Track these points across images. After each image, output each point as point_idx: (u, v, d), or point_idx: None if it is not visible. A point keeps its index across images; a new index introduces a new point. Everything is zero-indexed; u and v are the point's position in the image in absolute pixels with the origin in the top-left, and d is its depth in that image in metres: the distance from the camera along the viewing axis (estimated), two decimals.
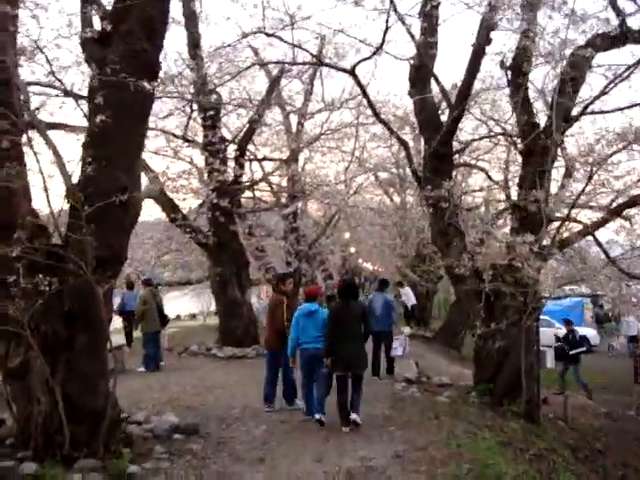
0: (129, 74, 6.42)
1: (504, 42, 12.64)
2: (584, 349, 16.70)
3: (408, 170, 29.54)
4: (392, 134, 12.88)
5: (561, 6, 11.18)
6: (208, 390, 12.33)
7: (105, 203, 6.25)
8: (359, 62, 11.32)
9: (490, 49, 11.99)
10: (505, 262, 11.05)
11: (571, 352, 16.43)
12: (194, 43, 16.38)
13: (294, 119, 23.54)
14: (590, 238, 12.52)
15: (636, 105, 12.30)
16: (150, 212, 18.86)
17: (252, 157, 22.33)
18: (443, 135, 12.17)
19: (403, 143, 13.03)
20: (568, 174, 12.96)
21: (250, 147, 22.07)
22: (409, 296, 27.19)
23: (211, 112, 16.13)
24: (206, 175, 17.34)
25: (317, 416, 9.35)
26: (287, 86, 21.78)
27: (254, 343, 17.79)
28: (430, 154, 12.22)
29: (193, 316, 34.96)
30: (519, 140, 16.20)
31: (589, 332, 29.32)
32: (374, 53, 11.13)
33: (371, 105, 12.14)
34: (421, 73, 12.39)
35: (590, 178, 11.70)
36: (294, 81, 21.67)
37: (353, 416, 9.12)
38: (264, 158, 22.29)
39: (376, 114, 12.23)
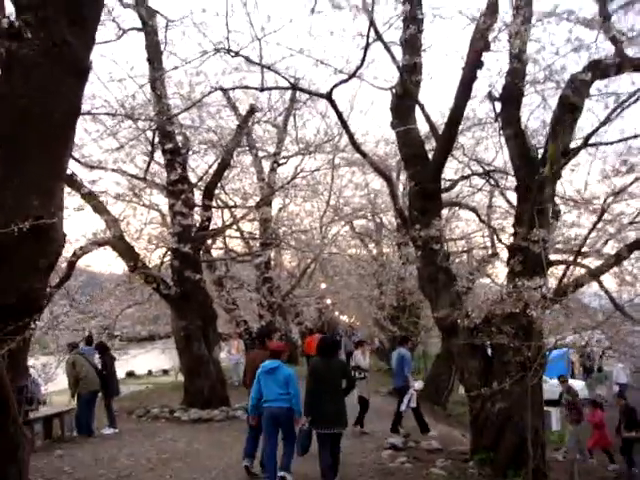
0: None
1: (491, 73, 11.60)
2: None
3: (385, 218, 29.31)
4: (373, 167, 11.56)
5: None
6: (166, 463, 10.69)
7: (7, 236, 4.77)
8: (336, 85, 10.02)
9: (476, 84, 10.93)
10: (505, 311, 9.65)
11: None
12: (156, 77, 15.07)
13: (266, 165, 22.56)
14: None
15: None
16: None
17: (222, 204, 21.06)
18: (431, 170, 10.91)
19: (386, 178, 11.70)
20: (555, 216, 11.73)
21: (220, 195, 20.88)
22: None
23: (170, 145, 14.77)
24: (169, 219, 15.94)
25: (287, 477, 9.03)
26: (259, 131, 20.85)
27: (222, 404, 16.14)
28: (417, 191, 10.92)
29: (165, 372, 33.10)
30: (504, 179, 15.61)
31: (577, 384, 27.78)
32: (352, 75, 9.86)
33: (349, 133, 10.83)
34: (404, 101, 11.17)
35: (600, 217, 10.43)
36: (266, 126, 20.78)
37: None
38: (234, 205, 20.93)
39: (354, 144, 10.90)
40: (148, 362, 31.64)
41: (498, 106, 11.53)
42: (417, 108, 11.21)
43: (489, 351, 10.84)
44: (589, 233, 10.57)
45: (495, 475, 9.82)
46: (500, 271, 20.52)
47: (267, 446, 9.23)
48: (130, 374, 31.08)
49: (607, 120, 10.71)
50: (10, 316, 5.14)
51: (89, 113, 13.00)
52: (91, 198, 14.39)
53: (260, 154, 22.25)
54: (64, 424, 13.10)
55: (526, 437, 9.51)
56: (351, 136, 10.83)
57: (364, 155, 11.14)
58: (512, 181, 14.66)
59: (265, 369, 9.31)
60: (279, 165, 22.05)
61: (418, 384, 14.71)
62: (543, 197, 10.74)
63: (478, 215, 13.99)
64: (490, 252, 20.15)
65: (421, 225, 10.54)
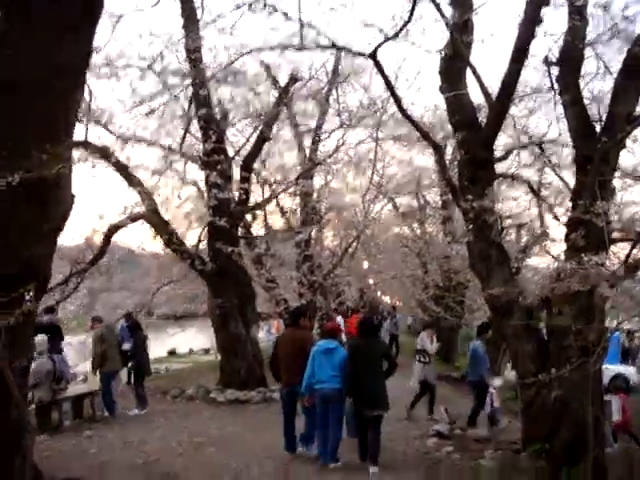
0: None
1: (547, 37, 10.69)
2: None
3: (429, 196, 28.44)
4: (420, 133, 10.71)
5: None
6: (197, 448, 10.15)
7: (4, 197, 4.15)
8: (380, 44, 9.20)
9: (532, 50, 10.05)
10: (569, 289, 8.78)
11: None
12: (194, 46, 14.38)
13: (308, 140, 21.80)
14: None
15: None
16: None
17: (261, 181, 20.40)
18: (483, 137, 10.09)
19: (434, 145, 10.87)
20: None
21: (260, 171, 20.25)
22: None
23: (204, 111, 14.13)
24: (205, 195, 15.36)
25: (331, 465, 9.06)
26: (300, 105, 20.08)
27: (260, 385, 15.57)
28: (467, 159, 10.10)
29: (206, 351, 32.76)
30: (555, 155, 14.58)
31: (627, 370, 26.34)
32: (398, 32, 9.02)
33: (395, 96, 10.00)
34: (455, 63, 10.32)
35: None
36: (307, 99, 19.99)
37: (372, 469, 8.86)
38: (275, 181, 20.21)
39: (401, 107, 10.07)
40: (189, 341, 31.34)
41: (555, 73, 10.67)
42: (468, 72, 10.38)
43: (544, 334, 10.06)
44: None
45: (550, 468, 9.01)
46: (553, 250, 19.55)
47: (319, 428, 9.28)
48: (172, 352, 30.78)
49: None
50: (11, 287, 4.54)
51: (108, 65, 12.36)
52: (123, 169, 13.86)
53: (302, 129, 21.51)
54: (94, 404, 12.67)
55: (586, 427, 8.73)
56: (397, 99, 10.01)
57: (411, 120, 10.32)
58: (564, 157, 13.82)
59: (321, 349, 9.28)
60: (320, 140, 21.28)
61: (497, 381, 13.55)
62: (606, 169, 9.90)
63: (532, 188, 13.02)
64: (540, 231, 19.26)
65: (473, 195, 9.74)
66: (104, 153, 13.21)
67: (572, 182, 11.28)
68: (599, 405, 9.34)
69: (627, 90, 9.92)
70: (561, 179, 14.13)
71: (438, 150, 10.84)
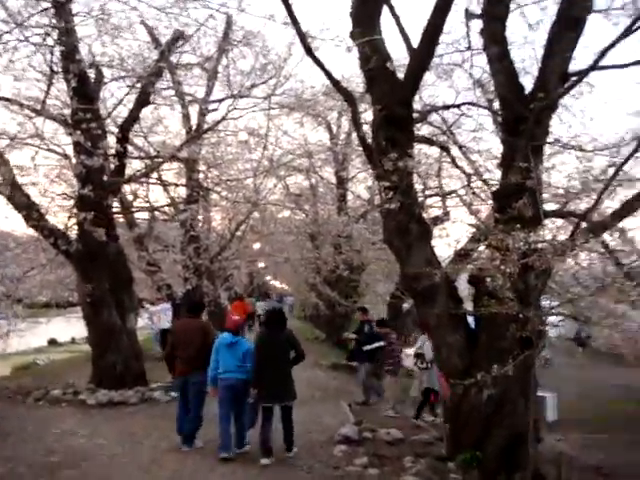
0: None
1: None
2: (381, 344, 13.65)
3: (323, 174, 27.01)
4: (332, 82, 9.01)
5: None
6: (53, 472, 8.07)
7: None
8: None
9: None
10: (503, 270, 7.36)
11: (365, 348, 13.98)
12: None
13: (194, 111, 19.85)
14: None
15: None
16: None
17: (143, 155, 18.22)
18: (401, 91, 8.59)
19: (348, 97, 9.22)
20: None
21: (138, 141, 18.16)
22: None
23: (73, 66, 11.96)
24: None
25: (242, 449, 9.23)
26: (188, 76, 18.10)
27: (138, 383, 13.58)
28: (383, 117, 8.55)
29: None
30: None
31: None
32: None
33: (300, 33, 8.30)
34: (369, 5, 8.77)
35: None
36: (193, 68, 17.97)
37: (290, 453, 9.04)
38: (157, 155, 18.03)
39: (307, 46, 8.38)
40: (70, 329, 29.05)
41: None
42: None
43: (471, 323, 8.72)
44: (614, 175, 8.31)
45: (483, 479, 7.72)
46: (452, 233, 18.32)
47: (223, 417, 9.11)
48: (52, 342, 29.52)
49: (622, 37, 8.49)
50: None
51: None
52: None
53: (188, 98, 19.50)
54: None
55: (525, 430, 7.46)
56: (302, 36, 8.31)
57: (321, 65, 8.63)
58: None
59: (225, 341, 9.26)
60: (208, 110, 19.34)
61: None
62: (538, 132, 8.64)
63: (449, 153, 11.56)
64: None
65: (389, 159, 8.18)
66: None
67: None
68: (535, 405, 8.09)
69: (562, 43, 8.73)
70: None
71: (351, 102, 9.19)
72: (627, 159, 7.79)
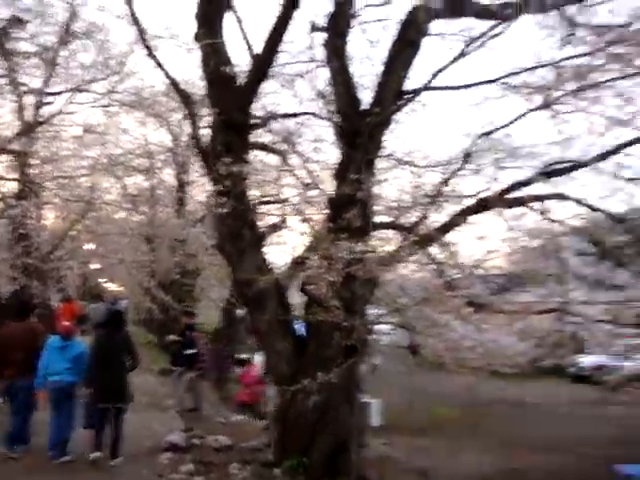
0: None
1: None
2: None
3: (163, 177, 26.45)
4: (170, 81, 8.86)
5: None
6: None
7: None
8: None
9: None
10: (329, 279, 7.50)
11: (186, 352, 13.57)
12: None
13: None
14: None
15: (486, 82, 9.39)
16: None
17: None
18: (240, 97, 8.59)
19: (185, 98, 9.06)
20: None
21: None
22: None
23: None
24: None
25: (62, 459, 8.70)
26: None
27: None
28: (221, 121, 8.51)
29: None
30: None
31: None
32: None
33: (141, 33, 8.11)
34: (214, 8, 8.71)
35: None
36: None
37: (114, 462, 8.63)
38: None
39: (147, 47, 8.20)
40: None
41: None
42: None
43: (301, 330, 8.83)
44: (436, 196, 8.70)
45: None
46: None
47: (52, 422, 8.92)
48: None
49: (456, 60, 8.95)
50: None
51: None
52: None
53: (22, 89, 18.48)
54: None
55: (349, 436, 7.63)
56: (142, 34, 8.11)
57: (160, 65, 8.46)
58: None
59: (56, 344, 9.10)
60: (45, 103, 18.43)
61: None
62: (372, 146, 8.93)
63: (286, 161, 11.62)
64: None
65: (224, 164, 8.14)
66: None
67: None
68: (360, 411, 8.30)
69: (398, 62, 9.11)
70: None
71: (188, 103, 9.06)
72: (449, 177, 8.22)
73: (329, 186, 10.72)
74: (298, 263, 10.91)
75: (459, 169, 8.27)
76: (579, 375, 24.53)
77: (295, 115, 11.39)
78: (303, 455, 8.04)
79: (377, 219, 9.56)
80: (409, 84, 9.43)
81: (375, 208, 9.51)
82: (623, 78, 7.69)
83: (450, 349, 9.57)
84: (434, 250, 8.84)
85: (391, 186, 11.56)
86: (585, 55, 7.87)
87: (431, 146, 12.04)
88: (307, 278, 8.22)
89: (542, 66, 8.15)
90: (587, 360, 22.45)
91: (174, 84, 8.99)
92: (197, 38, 8.70)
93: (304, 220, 9.66)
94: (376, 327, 11.96)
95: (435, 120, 13.86)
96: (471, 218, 8.93)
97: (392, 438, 13.58)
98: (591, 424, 17.29)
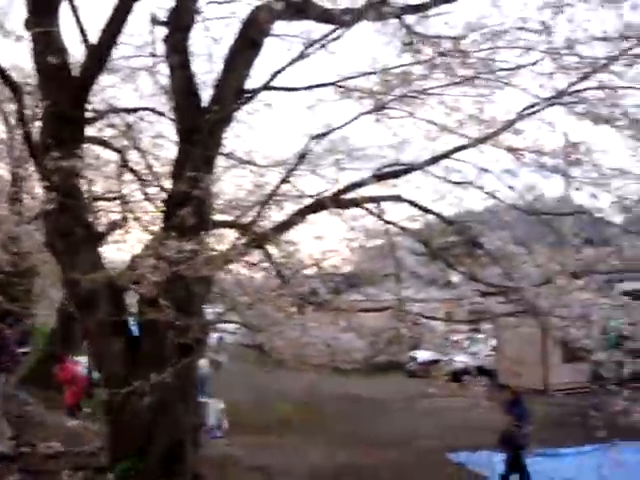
0: None
1: None
2: None
3: None
4: None
5: None
6: None
7: None
8: None
9: None
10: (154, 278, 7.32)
11: None
12: None
13: None
14: None
15: (324, 85, 9.55)
16: None
17: None
18: (73, 89, 8.26)
19: (14, 88, 8.51)
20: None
21: None
22: None
23: None
24: None
25: None
26: None
27: None
28: (51, 114, 8.15)
29: None
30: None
31: None
32: None
33: None
34: None
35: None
36: None
37: None
38: None
39: None
40: None
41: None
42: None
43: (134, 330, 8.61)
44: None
45: None
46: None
47: None
48: None
49: (294, 61, 9.03)
50: None
51: None
52: None
53: None
54: None
55: (184, 437, 7.52)
56: None
57: None
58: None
59: None
60: None
61: None
62: (211, 143, 8.87)
63: (123, 158, 11.27)
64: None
65: (54, 157, 7.78)
66: None
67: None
68: (196, 410, 8.20)
69: (240, 60, 9.07)
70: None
71: (17, 93, 8.58)
72: (286, 177, 8.30)
73: (169, 183, 10.58)
74: (134, 262, 10.67)
75: (293, 169, 8.35)
76: (415, 370, 25.62)
77: (135, 110, 11.14)
78: (138, 457, 7.85)
79: (217, 217, 9.55)
80: (251, 83, 9.48)
81: (214, 206, 9.51)
82: (447, 86, 8.11)
83: (291, 347, 9.69)
84: (273, 249, 8.88)
85: (232, 185, 11.60)
86: (417, 64, 8.19)
87: (273, 146, 12.08)
88: (136, 277, 7.99)
89: (372, 73, 8.42)
90: (422, 356, 23.47)
91: (1, 73, 8.49)
92: (27, 25, 8.26)
93: (136, 218, 9.45)
94: (221, 326, 11.98)
95: (278, 120, 13.95)
96: (311, 218, 9.05)
97: (236, 437, 13.62)
98: (426, 417, 18.10)
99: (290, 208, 9.86)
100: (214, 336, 22.96)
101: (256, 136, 11.48)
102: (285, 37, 9.81)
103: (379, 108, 8.18)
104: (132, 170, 10.99)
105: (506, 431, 11.18)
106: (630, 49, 7.25)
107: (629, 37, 7.21)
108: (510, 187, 8.25)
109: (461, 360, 17.40)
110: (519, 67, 7.84)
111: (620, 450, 7.47)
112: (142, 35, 10.77)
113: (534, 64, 7.73)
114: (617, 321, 7.32)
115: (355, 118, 8.16)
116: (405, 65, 8.17)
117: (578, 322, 7.18)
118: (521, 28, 7.52)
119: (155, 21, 9.68)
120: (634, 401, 6.56)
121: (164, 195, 10.11)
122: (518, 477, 11.44)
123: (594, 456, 10.85)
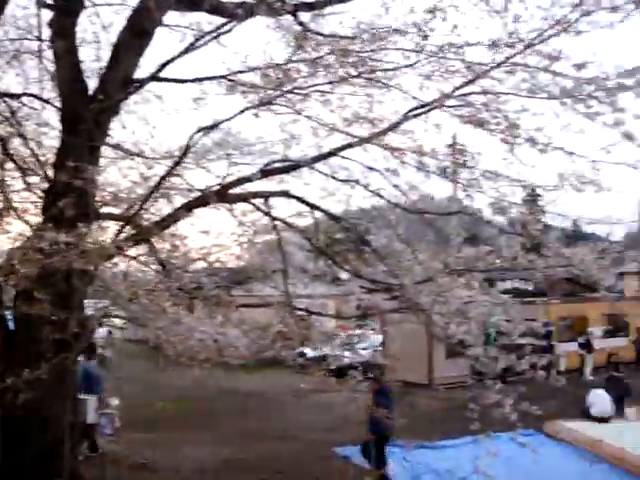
0: None
1: None
2: None
3: None
4: None
5: None
6: None
7: None
8: None
9: None
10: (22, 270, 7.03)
11: None
12: None
13: None
14: None
15: (213, 78, 9.42)
16: None
17: None
18: None
19: None
20: None
21: None
22: None
23: None
24: None
25: None
26: None
27: None
28: None
29: None
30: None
31: None
32: None
33: None
34: None
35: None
36: None
37: None
38: None
39: None
40: None
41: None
42: None
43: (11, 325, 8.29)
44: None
45: None
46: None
47: None
48: None
49: (184, 52, 8.89)
50: None
51: None
52: None
53: None
54: None
55: (60, 435, 7.31)
56: None
57: None
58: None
59: None
60: None
61: None
62: (98, 133, 8.64)
63: (5, 148, 10.77)
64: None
65: None
66: None
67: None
68: (74, 407, 7.98)
69: (128, 49, 8.87)
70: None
71: None
72: (171, 169, 8.19)
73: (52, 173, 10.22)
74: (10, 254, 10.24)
75: (178, 162, 8.24)
76: (303, 365, 25.73)
77: (19, 96, 10.69)
78: (16, 459, 7.56)
79: (102, 210, 9.32)
80: (141, 73, 9.27)
81: (99, 198, 9.27)
82: (331, 84, 8.22)
83: (178, 342, 9.56)
84: (158, 243, 8.73)
85: (119, 176, 11.32)
86: (301, 61, 8.24)
87: (163, 138, 11.86)
88: (10, 270, 7.67)
89: (258, 68, 8.42)
90: (311, 351, 23.62)
91: None
92: None
93: (14, 208, 9.08)
94: (109, 321, 11.69)
95: (170, 112, 13.75)
96: (199, 212, 8.96)
97: (123, 434, 13.35)
98: (313, 411, 18.31)
99: (179, 202, 9.80)
100: (101, 331, 22.57)
101: (146, 128, 11.26)
102: (177, 28, 9.77)
103: (264, 103, 8.17)
104: (12, 159, 10.54)
105: (372, 419, 11.41)
106: (512, 57, 7.52)
107: (511, 45, 7.49)
108: (395, 186, 8.41)
109: (348, 356, 17.63)
110: (397, 68, 8.03)
111: (494, 441, 7.75)
112: (28, 17, 10.46)
113: (412, 66, 7.93)
114: (496, 318, 7.58)
115: (241, 112, 8.11)
116: (292, 62, 8.20)
117: (457, 318, 7.39)
118: (405, 32, 7.70)
119: (40, 3, 9.37)
120: (506, 394, 6.80)
121: (46, 185, 9.79)
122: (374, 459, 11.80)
123: (471, 448, 11.19)
